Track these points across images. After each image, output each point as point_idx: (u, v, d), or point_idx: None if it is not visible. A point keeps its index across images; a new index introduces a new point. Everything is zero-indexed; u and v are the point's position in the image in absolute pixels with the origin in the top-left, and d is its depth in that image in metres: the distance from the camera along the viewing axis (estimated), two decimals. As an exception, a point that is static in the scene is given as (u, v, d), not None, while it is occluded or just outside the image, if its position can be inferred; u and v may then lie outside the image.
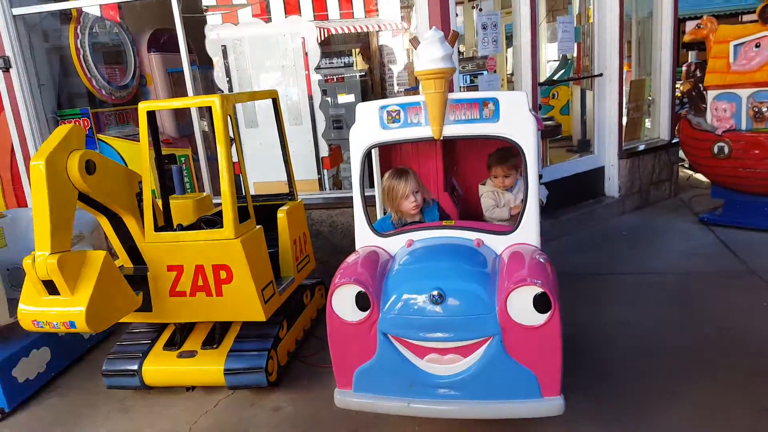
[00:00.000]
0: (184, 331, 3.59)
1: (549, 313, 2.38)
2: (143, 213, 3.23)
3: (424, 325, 2.49)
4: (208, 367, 3.37)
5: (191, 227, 3.42)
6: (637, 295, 4.39)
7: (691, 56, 10.57)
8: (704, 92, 5.79)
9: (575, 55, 7.93)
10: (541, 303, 2.37)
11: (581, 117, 8.03)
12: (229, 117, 3.13)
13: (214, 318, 3.43)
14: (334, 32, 6.58)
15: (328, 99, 6.42)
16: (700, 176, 7.87)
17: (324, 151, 5.36)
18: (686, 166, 8.07)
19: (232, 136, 5.36)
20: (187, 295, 3.26)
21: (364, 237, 2.96)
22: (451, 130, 2.77)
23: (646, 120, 7.35)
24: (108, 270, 2.87)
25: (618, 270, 4.92)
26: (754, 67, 5.28)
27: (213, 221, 3.34)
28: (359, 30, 6.56)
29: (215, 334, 3.53)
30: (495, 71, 5.73)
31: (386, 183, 3.14)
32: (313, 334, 4.12)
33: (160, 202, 3.41)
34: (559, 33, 5.93)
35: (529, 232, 2.78)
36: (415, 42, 2.76)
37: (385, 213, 3.30)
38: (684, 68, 8.71)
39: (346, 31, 6.44)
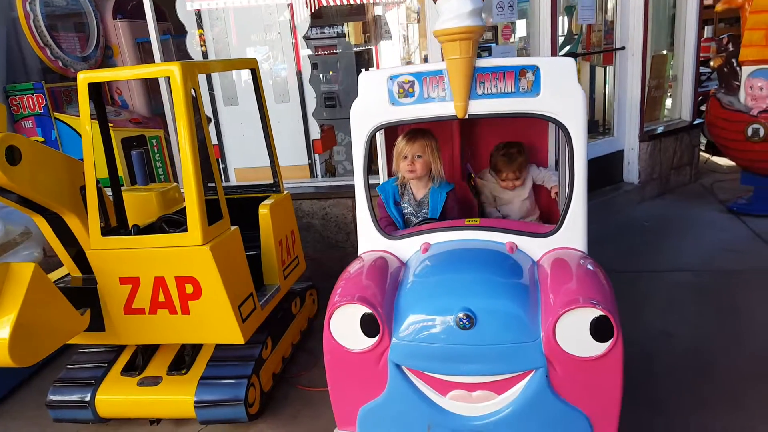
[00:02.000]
0: (147, 352, 2.97)
1: (611, 341, 1.86)
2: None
3: (448, 354, 1.95)
4: (176, 397, 2.76)
5: (149, 229, 2.78)
6: (673, 299, 3.85)
7: (707, 31, 9.98)
8: (737, 68, 5.20)
9: (584, 30, 7.30)
10: (600, 329, 1.85)
11: (590, 96, 7.44)
12: (193, 91, 2.48)
13: (179, 340, 2.81)
14: (325, 4, 5.95)
15: (319, 74, 5.76)
16: (717, 159, 7.38)
17: (315, 133, 4.70)
18: (702, 148, 7.55)
19: (210, 116, 4.83)
20: (145, 313, 2.65)
21: (368, 239, 2.38)
22: (479, 106, 2.16)
23: (666, 99, 6.75)
24: (39, 286, 2.26)
25: (646, 267, 4.38)
26: (798, 41, 4.68)
27: (177, 221, 2.71)
28: (353, 2, 5.92)
29: (184, 356, 2.92)
30: (511, 41, 5.08)
31: (397, 141, 2.74)
32: (303, 348, 3.52)
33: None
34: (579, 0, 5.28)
35: (574, 233, 2.22)
36: (435, -8, 2.11)
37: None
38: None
39: (340, 3, 5.79)
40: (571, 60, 2.15)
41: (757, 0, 5.02)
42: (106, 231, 2.64)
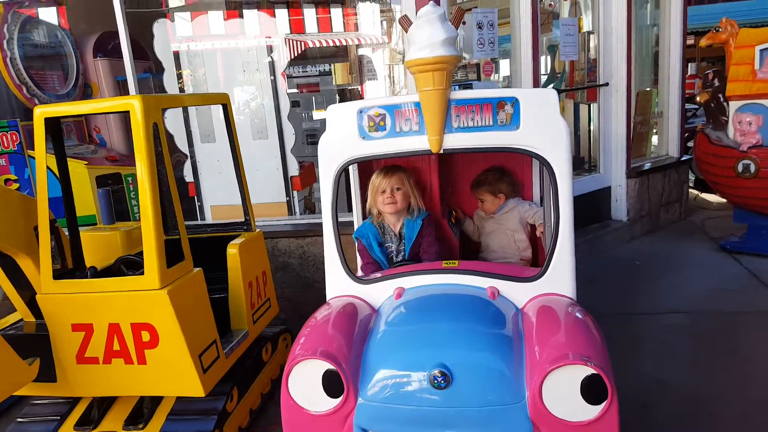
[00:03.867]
0: (103, 404, 2.75)
1: (605, 403, 1.67)
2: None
3: (420, 418, 1.75)
4: (131, 454, 2.54)
5: (106, 271, 2.61)
6: (668, 344, 3.65)
7: (690, 69, 10.09)
8: (724, 103, 5.15)
9: (567, 68, 7.35)
10: (592, 389, 1.66)
11: (575, 133, 7.43)
12: (155, 125, 2.34)
13: (136, 392, 2.60)
14: (311, 45, 5.97)
15: (302, 112, 5.68)
16: (707, 196, 7.32)
17: (293, 170, 4.58)
18: (691, 185, 7.51)
19: (186, 153, 4.70)
20: (99, 363, 2.45)
21: (337, 283, 2.21)
22: (455, 141, 2.04)
23: (653, 135, 6.72)
24: (-21, 334, 2.06)
25: (638, 309, 4.20)
26: (785, 75, 4.65)
27: (137, 263, 2.53)
28: (337, 44, 5.94)
29: (143, 409, 2.70)
30: (492, 78, 5.04)
31: (372, 178, 2.59)
32: (274, 398, 3.29)
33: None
34: (561, 37, 5.27)
35: (561, 278, 2.07)
36: (405, 22, 2.02)
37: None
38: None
39: (324, 45, 5.81)
40: (552, 91, 2.04)
41: (741, 35, 5.02)
42: (59, 274, 2.46)
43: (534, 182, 2.95)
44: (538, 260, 2.84)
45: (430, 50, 1.91)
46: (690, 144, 6.89)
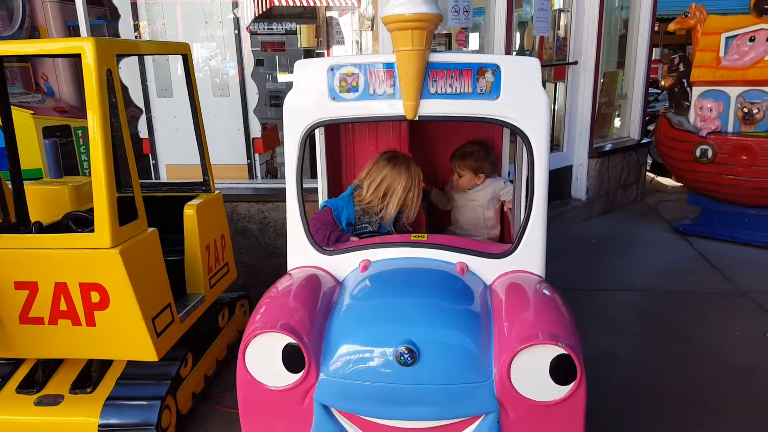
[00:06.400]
0: (48, 366, 2.61)
1: (573, 384, 1.64)
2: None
3: (385, 395, 1.68)
4: (78, 418, 2.41)
5: (53, 227, 2.44)
6: (621, 320, 3.77)
7: (655, 53, 10.22)
8: (688, 89, 5.22)
9: (537, 45, 7.34)
10: (561, 369, 1.63)
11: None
12: (109, 72, 2.17)
13: (84, 355, 2.48)
14: (277, 4, 5.75)
15: (265, 72, 5.48)
16: (662, 179, 7.50)
17: (256, 131, 4.41)
18: (648, 168, 7.68)
19: (141, 107, 4.47)
20: (44, 323, 2.31)
21: (300, 253, 2.10)
22: (431, 107, 1.94)
23: (615, 117, 6.80)
24: None
25: (593, 285, 4.30)
26: (747, 64, 4.74)
27: (86, 220, 2.38)
28: (305, 4, 5.72)
29: (91, 372, 2.59)
30: (464, 49, 4.95)
31: (395, 172, 2.40)
32: (230, 364, 3.22)
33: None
34: (534, 11, 5.21)
35: (531, 255, 2.04)
36: (385, -26, 1.90)
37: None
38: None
39: (291, 3, 5.58)
40: (535, 60, 1.94)
41: (709, 21, 5.07)
42: (1, 228, 2.29)
43: (504, 157, 2.90)
44: (504, 237, 2.83)
45: (411, 6, 1.78)
46: (650, 127, 7.01)
